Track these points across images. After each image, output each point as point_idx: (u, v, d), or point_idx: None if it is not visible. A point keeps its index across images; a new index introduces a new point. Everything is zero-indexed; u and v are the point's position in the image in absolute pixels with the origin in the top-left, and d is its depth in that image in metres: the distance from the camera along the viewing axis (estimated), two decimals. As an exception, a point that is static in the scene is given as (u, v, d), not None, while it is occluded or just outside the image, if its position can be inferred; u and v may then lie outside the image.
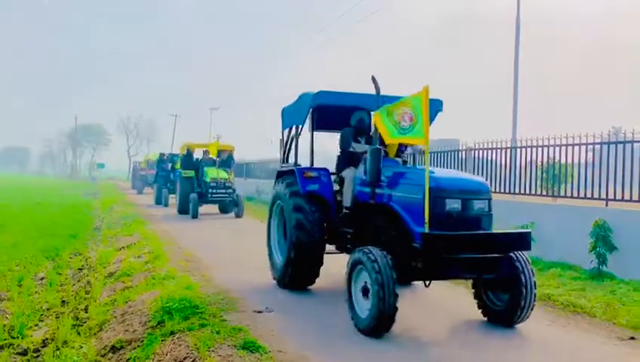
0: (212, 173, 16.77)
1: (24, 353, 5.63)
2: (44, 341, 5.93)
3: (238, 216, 16.51)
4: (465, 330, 5.36)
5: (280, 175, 7.16)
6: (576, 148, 9.01)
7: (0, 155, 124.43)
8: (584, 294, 6.58)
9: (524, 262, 5.10)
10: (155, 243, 10.26)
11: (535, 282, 5.12)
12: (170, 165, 23.42)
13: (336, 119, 7.02)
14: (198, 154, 18.82)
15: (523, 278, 5.01)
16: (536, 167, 9.84)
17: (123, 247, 10.74)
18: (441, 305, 6.29)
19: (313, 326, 5.26)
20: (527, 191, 9.96)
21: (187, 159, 18.20)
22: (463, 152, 11.69)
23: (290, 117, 7.29)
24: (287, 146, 7.42)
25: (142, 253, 9.46)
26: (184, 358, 4.42)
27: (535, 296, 5.13)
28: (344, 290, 5.26)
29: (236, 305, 5.86)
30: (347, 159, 6.66)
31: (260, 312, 5.62)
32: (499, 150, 10.65)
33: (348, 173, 6.41)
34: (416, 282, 6.60)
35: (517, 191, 10.18)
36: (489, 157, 10.96)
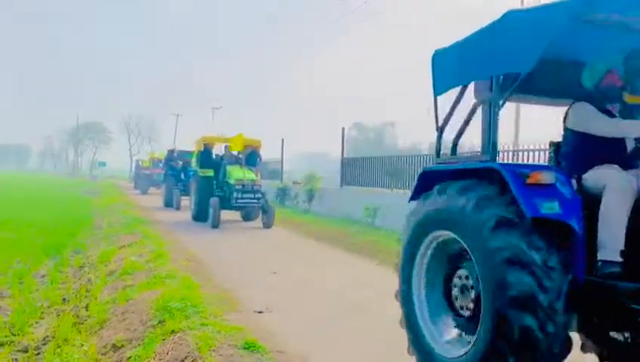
0: (237, 174, 14.06)
1: (25, 350, 5.63)
2: (44, 338, 5.93)
3: (266, 225, 13.85)
4: None
5: (435, 177, 3.74)
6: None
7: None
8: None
9: None
10: (156, 242, 10.28)
11: None
12: (180, 163, 21.26)
13: (548, 78, 3.88)
14: (217, 151, 16.42)
15: None
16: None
17: (124, 246, 10.76)
18: None
19: (314, 326, 5.28)
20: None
21: (205, 156, 15.57)
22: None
23: (474, 62, 3.71)
24: (462, 123, 3.99)
25: (143, 252, 9.48)
26: (185, 357, 4.42)
27: None
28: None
29: (236, 304, 5.87)
30: (591, 151, 3.53)
31: (260, 312, 5.64)
32: (500, 153, 10.67)
33: (612, 179, 3.22)
34: None
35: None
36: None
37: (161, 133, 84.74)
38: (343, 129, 18.70)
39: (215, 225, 13.37)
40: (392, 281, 7.57)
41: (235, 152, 15.39)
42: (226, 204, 13.78)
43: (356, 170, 17.23)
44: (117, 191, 34.84)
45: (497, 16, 3.42)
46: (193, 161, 18.68)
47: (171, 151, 23.40)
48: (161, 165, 31.13)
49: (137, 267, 8.28)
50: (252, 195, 13.76)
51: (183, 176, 20.16)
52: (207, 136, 16.27)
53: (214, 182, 14.83)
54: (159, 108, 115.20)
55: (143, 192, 30.93)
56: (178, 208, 18.82)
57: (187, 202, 18.00)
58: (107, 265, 9.20)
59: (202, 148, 15.82)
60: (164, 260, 8.44)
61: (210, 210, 13.49)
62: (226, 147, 15.65)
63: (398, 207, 13.39)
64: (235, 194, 13.62)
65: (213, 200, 13.55)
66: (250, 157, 15.11)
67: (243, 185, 13.72)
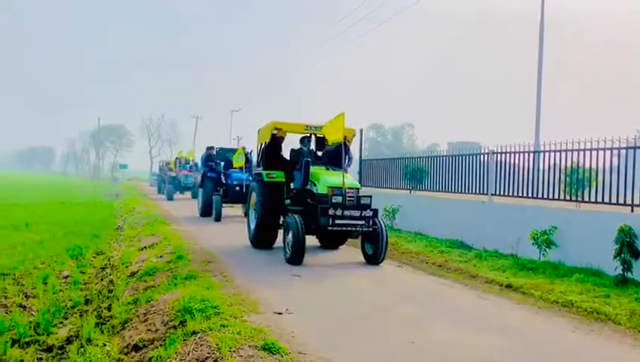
0: (331, 178, 9.03)
1: (49, 349, 5.74)
2: (68, 338, 6.03)
3: (374, 258, 8.86)
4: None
5: None
6: (601, 152, 8.88)
7: (25, 155, 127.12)
8: (609, 301, 6.48)
9: None
10: (176, 243, 10.36)
11: None
12: (223, 163, 17.74)
13: None
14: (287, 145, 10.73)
15: None
16: (560, 171, 9.72)
17: (145, 247, 10.87)
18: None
19: (333, 327, 5.27)
20: (550, 196, 9.84)
21: (272, 150, 10.36)
22: (485, 156, 11.61)
23: None
24: None
25: (164, 253, 9.56)
26: (206, 358, 4.46)
27: None
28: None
29: (256, 305, 5.89)
30: None
31: (280, 314, 5.65)
32: (521, 154, 10.55)
33: None
34: None
35: (540, 195, 10.07)
36: (511, 162, 10.87)
37: (180, 135, 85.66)
38: (362, 130, 18.65)
39: (297, 261, 8.45)
40: (413, 284, 7.55)
41: (311, 147, 10.64)
42: (318, 225, 8.58)
43: (375, 171, 17.17)
44: (140, 195, 32.23)
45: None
46: (239, 160, 16.08)
47: (210, 149, 18.87)
48: (188, 166, 28.85)
49: (158, 268, 8.37)
50: (358, 213, 8.54)
51: (224, 179, 17.17)
52: (279, 121, 10.26)
53: (284, 190, 10.13)
54: (179, 110, 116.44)
55: (169, 198, 26.66)
56: (218, 219, 15.73)
57: (230, 211, 16.43)
58: (128, 266, 9.31)
59: (269, 139, 10.32)
60: (185, 261, 8.50)
61: (289, 236, 8.55)
62: (304, 139, 10.40)
63: (417, 208, 13.39)
64: (331, 211, 8.37)
65: (295, 221, 8.43)
66: (335, 154, 9.72)
67: (343, 197, 8.55)
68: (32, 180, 53.60)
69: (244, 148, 16.48)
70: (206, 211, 16.77)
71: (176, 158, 31.27)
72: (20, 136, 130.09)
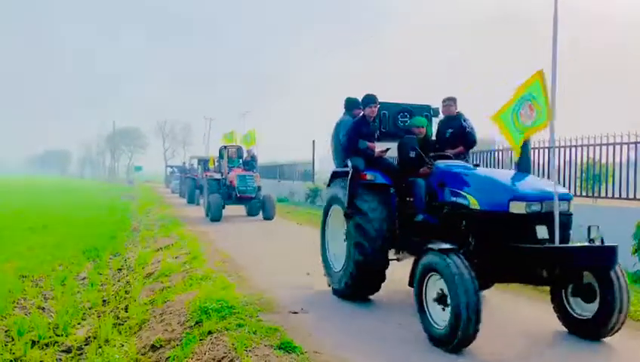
0: None
1: (68, 350, 5.82)
2: (86, 339, 6.11)
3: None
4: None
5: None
6: (618, 147, 8.77)
7: (42, 158, 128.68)
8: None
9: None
10: (192, 244, 10.42)
11: None
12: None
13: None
14: None
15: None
16: (576, 167, 9.61)
17: (161, 248, 10.95)
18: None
19: (349, 327, 5.26)
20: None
21: None
22: (500, 152, 11.52)
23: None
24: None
25: (179, 254, 9.63)
26: (222, 358, 4.49)
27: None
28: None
29: (272, 305, 5.91)
30: None
31: (295, 313, 5.66)
32: (536, 150, 10.46)
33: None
34: None
35: (555, 191, 9.95)
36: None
37: (193, 137, 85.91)
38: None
39: None
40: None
41: None
42: None
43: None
44: (161, 203, 25.77)
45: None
46: None
47: (366, 106, 6.26)
48: (240, 161, 17.91)
49: (174, 269, 8.42)
50: None
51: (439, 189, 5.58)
52: None
53: None
54: (190, 112, 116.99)
55: (215, 217, 15.29)
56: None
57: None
58: (145, 268, 9.39)
59: None
60: (200, 262, 8.55)
61: None
62: None
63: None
64: None
65: None
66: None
67: None
68: (49, 183, 54.25)
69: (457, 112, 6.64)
70: (364, 283, 6.11)
71: (222, 147, 18.20)
72: (36, 140, 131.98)
